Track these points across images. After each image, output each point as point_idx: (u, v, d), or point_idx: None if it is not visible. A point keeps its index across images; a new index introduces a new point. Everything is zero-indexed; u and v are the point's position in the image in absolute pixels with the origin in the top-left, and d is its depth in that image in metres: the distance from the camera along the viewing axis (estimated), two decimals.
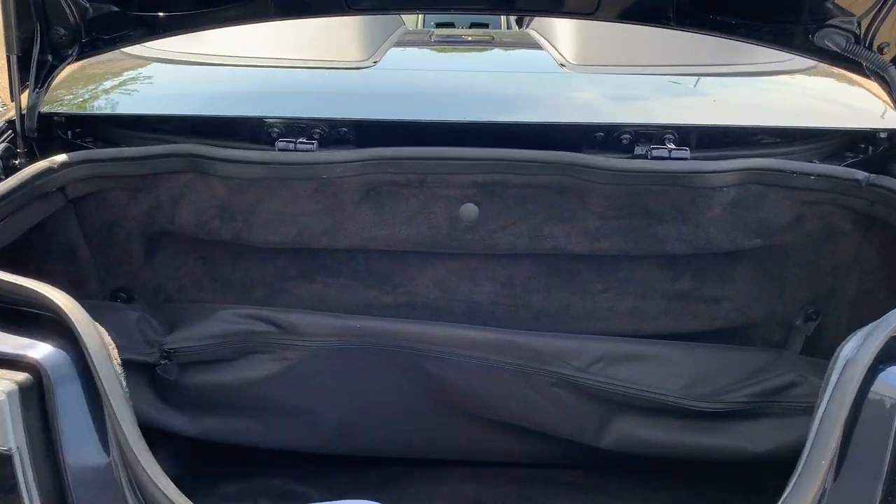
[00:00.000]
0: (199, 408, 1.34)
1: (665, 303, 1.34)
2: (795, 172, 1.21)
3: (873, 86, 1.27)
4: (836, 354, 0.82)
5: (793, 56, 1.76)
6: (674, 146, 1.22)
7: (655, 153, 1.20)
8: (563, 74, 1.54)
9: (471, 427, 1.39)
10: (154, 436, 1.38)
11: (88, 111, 1.36)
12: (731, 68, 1.68)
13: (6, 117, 1.27)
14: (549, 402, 1.30)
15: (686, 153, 1.20)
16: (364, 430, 1.38)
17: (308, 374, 1.31)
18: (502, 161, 1.19)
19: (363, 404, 1.36)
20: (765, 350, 1.37)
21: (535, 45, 1.80)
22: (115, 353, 0.91)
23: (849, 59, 1.19)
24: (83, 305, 1.35)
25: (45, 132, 1.25)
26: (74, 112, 1.34)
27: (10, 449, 0.80)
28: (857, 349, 0.80)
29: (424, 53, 1.84)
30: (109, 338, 0.92)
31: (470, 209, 1.22)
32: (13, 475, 0.81)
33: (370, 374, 1.33)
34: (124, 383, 0.90)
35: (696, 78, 1.58)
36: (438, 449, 1.42)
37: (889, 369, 0.80)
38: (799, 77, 1.66)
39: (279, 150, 1.21)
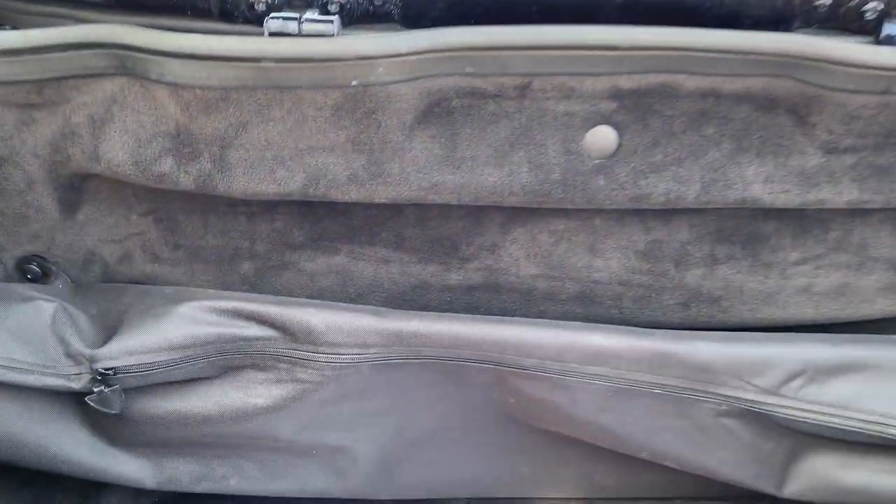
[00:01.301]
0: (162, 448, 0.87)
1: (889, 276, 0.85)
2: None
3: None
4: None
5: None
6: None
7: None
8: None
9: (581, 460, 0.93)
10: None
11: None
12: None
13: None
14: (713, 436, 0.83)
15: None
16: (419, 469, 0.92)
17: (333, 401, 0.83)
18: (670, 50, 0.66)
19: (419, 436, 0.89)
20: None
21: None
22: None
23: None
24: None
25: None
26: None
27: None
28: None
29: None
30: None
31: (604, 136, 0.71)
32: None
33: (431, 396, 0.85)
34: None
35: None
36: (528, 486, 0.97)
37: None
38: None
39: (271, 33, 0.68)
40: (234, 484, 0.88)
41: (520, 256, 0.81)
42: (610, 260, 0.81)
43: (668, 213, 0.79)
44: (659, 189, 0.73)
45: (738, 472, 0.85)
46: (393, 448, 0.89)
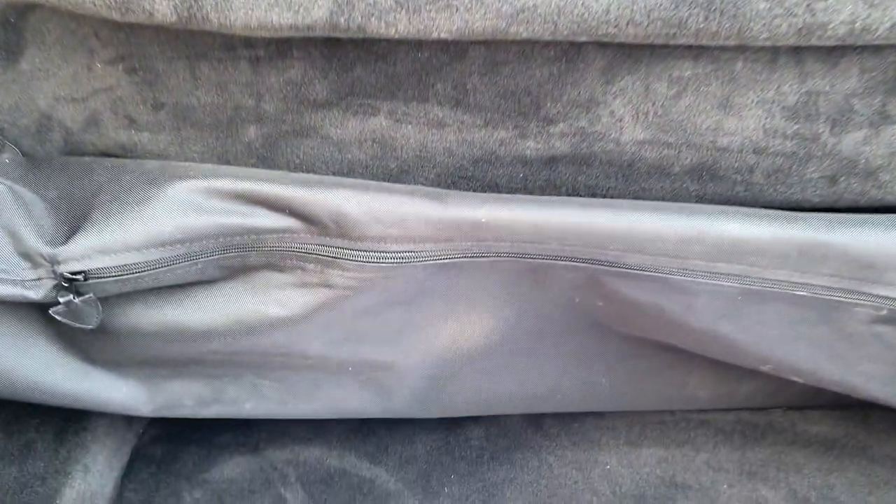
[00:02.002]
0: (158, 368, 0.69)
1: None
2: None
3: None
4: None
5: None
6: None
7: None
8: None
9: (671, 371, 0.76)
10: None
11: None
12: None
13: None
14: (862, 347, 0.65)
15: None
16: (475, 385, 0.75)
17: (376, 310, 0.64)
18: None
19: (479, 346, 0.71)
20: None
21: None
22: None
23: None
24: None
25: None
26: None
27: None
28: None
29: None
30: None
31: None
32: None
33: (498, 300, 0.66)
34: None
35: None
36: (604, 400, 0.81)
37: None
38: None
39: None
40: (250, 408, 0.71)
41: (625, 115, 0.60)
42: (747, 119, 0.60)
43: (835, 54, 0.57)
44: (841, 15, 0.51)
45: (887, 388, 0.68)
46: (446, 361, 0.71)
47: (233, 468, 0.81)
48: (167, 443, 0.83)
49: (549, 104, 0.60)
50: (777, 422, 0.85)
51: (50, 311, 0.59)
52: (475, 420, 0.85)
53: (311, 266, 0.60)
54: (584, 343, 0.73)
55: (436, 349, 0.70)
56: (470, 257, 0.60)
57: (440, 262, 0.60)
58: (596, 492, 0.79)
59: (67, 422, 0.76)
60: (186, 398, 0.70)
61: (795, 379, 0.70)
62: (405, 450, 0.83)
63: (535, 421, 0.85)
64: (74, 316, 0.59)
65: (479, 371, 0.73)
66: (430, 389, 0.74)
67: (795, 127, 0.61)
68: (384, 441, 0.83)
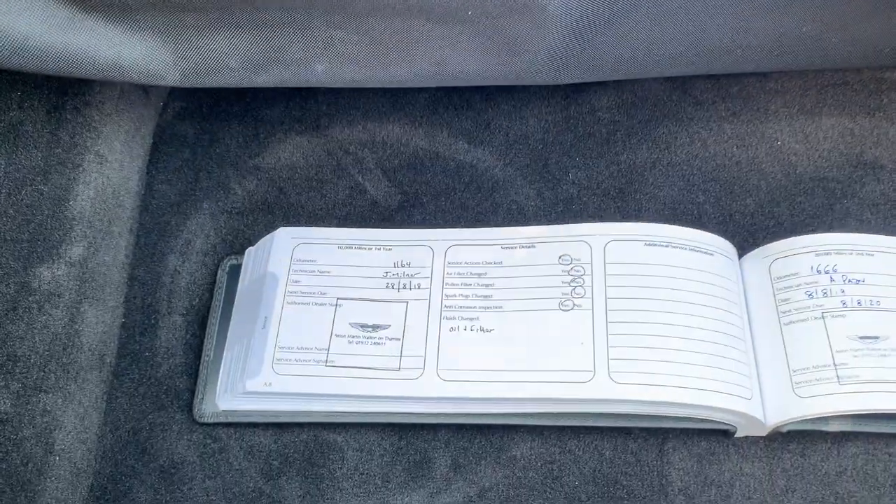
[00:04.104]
0: (183, 14, 0.45)
1: None
2: None
3: None
4: None
5: None
6: None
7: None
8: None
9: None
10: None
11: None
12: None
13: None
14: None
15: None
16: (631, 37, 0.53)
17: None
18: None
19: None
20: None
21: None
22: None
23: None
24: None
25: None
26: None
27: None
28: None
29: None
30: None
31: None
32: None
33: None
34: None
35: None
36: (803, 51, 0.59)
37: None
38: None
39: None
40: (322, 71, 0.50)
41: None
42: None
43: None
44: None
45: None
46: (608, 1, 0.48)
47: (292, 151, 0.62)
48: (199, 120, 0.63)
49: None
50: None
51: None
52: (601, 86, 0.64)
53: None
54: None
55: None
56: None
57: None
58: (765, 174, 0.61)
59: (62, 95, 0.55)
60: (231, 58, 0.48)
61: None
62: (512, 126, 0.63)
63: (681, 86, 0.65)
64: None
65: (644, 16, 0.51)
66: (572, 44, 0.52)
67: None
68: (484, 116, 0.64)
